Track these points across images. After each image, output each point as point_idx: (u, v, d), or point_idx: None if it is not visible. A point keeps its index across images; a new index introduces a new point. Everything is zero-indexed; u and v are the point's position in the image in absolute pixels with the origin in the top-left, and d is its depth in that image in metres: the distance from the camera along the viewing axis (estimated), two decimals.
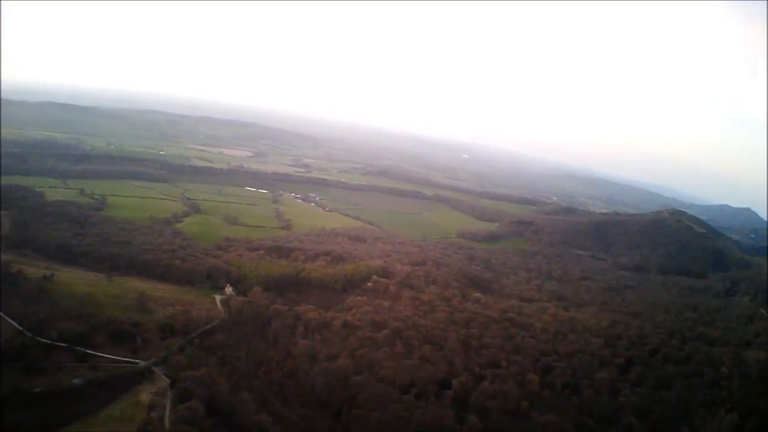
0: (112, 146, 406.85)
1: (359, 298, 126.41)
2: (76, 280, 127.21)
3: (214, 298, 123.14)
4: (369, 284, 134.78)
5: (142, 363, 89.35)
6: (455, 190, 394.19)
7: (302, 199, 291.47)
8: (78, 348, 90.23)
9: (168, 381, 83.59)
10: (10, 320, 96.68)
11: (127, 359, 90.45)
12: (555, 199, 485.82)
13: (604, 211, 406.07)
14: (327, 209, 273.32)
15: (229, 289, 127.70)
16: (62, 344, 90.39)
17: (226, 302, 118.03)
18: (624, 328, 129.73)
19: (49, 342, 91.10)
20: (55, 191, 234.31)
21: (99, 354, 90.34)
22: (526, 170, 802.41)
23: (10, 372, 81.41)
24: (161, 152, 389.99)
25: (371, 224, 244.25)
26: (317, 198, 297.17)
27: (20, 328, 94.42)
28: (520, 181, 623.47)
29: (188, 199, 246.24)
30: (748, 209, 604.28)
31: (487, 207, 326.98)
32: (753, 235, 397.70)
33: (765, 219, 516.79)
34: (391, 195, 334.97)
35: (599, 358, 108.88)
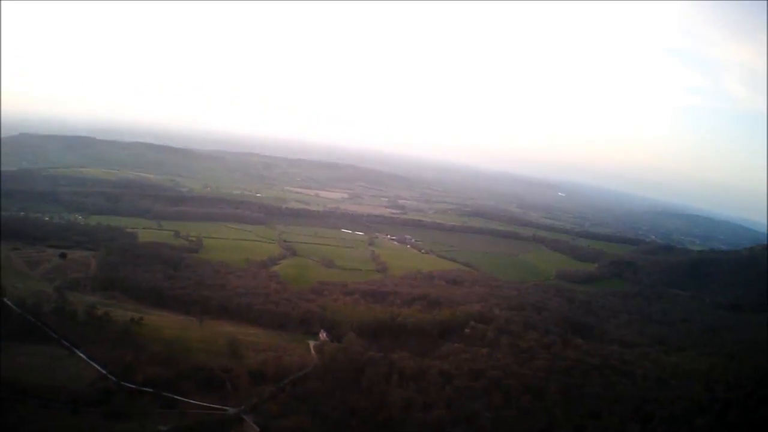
0: (209, 188, 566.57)
1: (456, 345, 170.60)
2: (165, 323, 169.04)
3: (307, 343, 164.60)
4: (466, 330, 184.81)
5: (231, 410, 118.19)
6: (552, 230, 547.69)
7: (398, 241, 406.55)
8: (165, 394, 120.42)
9: (258, 429, 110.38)
10: (94, 364, 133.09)
11: (216, 406, 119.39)
12: (653, 237, 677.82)
13: (700, 248, 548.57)
14: (423, 251, 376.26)
15: (323, 335, 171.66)
16: (148, 390, 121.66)
17: (319, 348, 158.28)
18: (722, 370, 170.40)
19: (135, 387, 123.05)
20: (149, 232, 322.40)
21: (187, 400, 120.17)
22: (624, 207, 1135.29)
23: (93, 417, 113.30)
24: (258, 194, 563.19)
25: (468, 266, 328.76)
26: (413, 240, 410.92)
27: (104, 372, 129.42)
28: (618, 218, 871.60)
29: (285, 241, 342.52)
30: None
31: (585, 247, 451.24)
32: None
33: None
34: (488, 236, 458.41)
35: (698, 404, 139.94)
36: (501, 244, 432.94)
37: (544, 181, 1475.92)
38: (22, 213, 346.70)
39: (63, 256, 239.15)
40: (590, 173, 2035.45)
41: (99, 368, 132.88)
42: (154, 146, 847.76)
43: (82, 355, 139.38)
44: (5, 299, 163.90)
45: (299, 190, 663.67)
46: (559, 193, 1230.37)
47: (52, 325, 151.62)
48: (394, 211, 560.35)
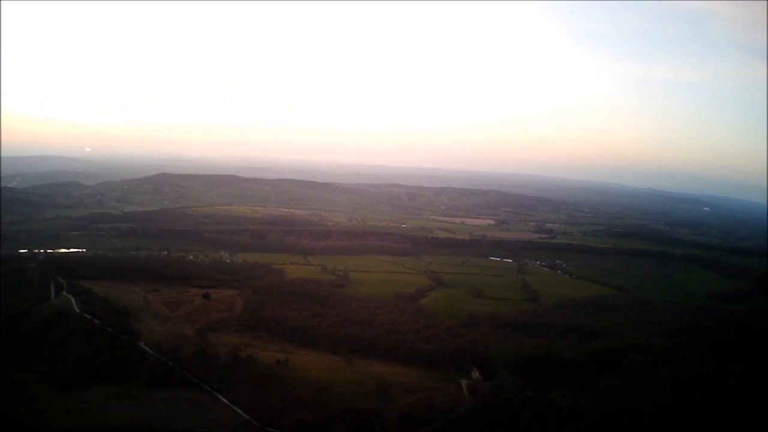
0: (354, 221, 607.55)
1: (614, 380, 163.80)
2: (312, 364, 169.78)
3: (459, 383, 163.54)
4: (624, 363, 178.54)
5: None
6: (701, 247, 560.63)
7: (548, 267, 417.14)
8: None
9: None
10: (236, 408, 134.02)
11: None
12: None
13: None
14: (574, 276, 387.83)
15: (475, 373, 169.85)
16: None
17: (472, 388, 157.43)
18: None
19: None
20: (296, 268, 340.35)
21: None
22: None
23: None
24: (403, 225, 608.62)
25: (620, 290, 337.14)
26: (563, 264, 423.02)
27: (246, 417, 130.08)
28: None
29: (432, 272, 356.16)
30: None
31: (734, 263, 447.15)
32: None
33: None
34: (638, 257, 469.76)
35: None
36: (652, 265, 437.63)
37: (688, 197, 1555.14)
38: (165, 252, 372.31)
39: (206, 296, 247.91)
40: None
41: (241, 413, 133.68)
42: (297, 182, 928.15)
43: (223, 399, 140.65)
44: (141, 344, 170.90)
45: (445, 218, 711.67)
46: (704, 208, 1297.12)
47: (192, 368, 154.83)
48: (542, 235, 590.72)
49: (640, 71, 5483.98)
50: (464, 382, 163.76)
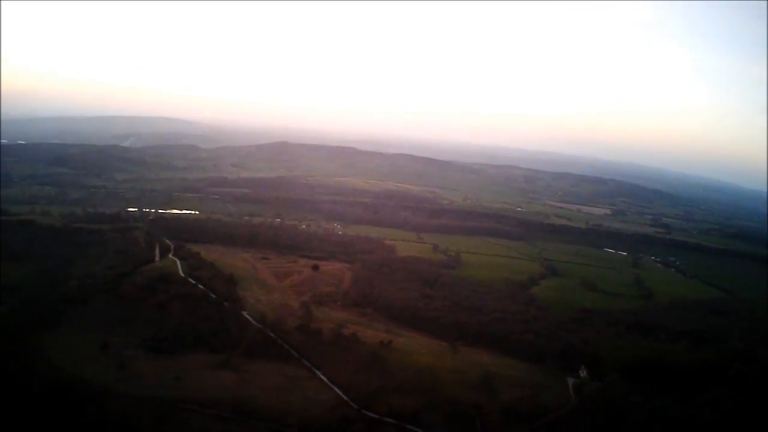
0: (469, 201, 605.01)
1: (719, 390, 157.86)
2: (416, 348, 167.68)
3: (566, 381, 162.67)
4: (731, 372, 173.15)
5: None
6: None
7: (662, 264, 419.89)
8: (408, 426, 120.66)
9: None
10: (334, 388, 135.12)
11: None
12: None
13: None
14: (687, 276, 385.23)
15: (583, 372, 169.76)
16: (390, 420, 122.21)
17: (578, 387, 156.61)
18: None
19: (376, 417, 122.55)
20: (408, 245, 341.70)
21: None
22: None
23: None
24: (519, 208, 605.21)
25: (731, 294, 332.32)
26: (677, 262, 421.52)
27: (345, 398, 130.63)
28: None
29: (545, 259, 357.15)
30: None
31: None
32: None
33: None
34: (751, 261, 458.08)
35: None
36: (765, 271, 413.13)
37: None
38: (278, 220, 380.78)
39: (315, 267, 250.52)
40: None
41: (340, 393, 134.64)
42: (416, 158, 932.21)
43: (323, 377, 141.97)
44: (244, 313, 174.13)
45: (561, 204, 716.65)
46: None
47: (294, 342, 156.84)
48: (658, 229, 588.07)
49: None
50: (571, 381, 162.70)
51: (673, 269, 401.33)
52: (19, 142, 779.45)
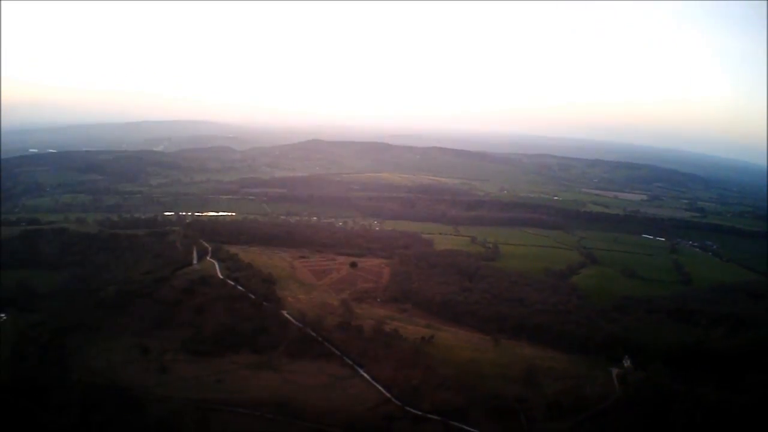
0: (505, 191, 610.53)
1: (760, 376, 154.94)
2: (458, 342, 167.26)
3: (609, 371, 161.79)
4: None
5: None
6: None
7: (700, 248, 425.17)
8: (452, 423, 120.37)
9: None
10: (377, 385, 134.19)
11: None
12: None
13: None
14: (724, 259, 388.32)
15: (627, 362, 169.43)
16: (434, 417, 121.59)
17: (622, 377, 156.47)
18: None
19: (420, 414, 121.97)
20: (445, 239, 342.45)
21: None
22: None
23: None
24: (555, 197, 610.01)
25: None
26: (714, 246, 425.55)
27: (388, 395, 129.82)
28: None
29: (584, 248, 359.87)
30: None
31: None
32: None
33: None
34: None
35: None
36: None
37: None
38: (314, 218, 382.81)
39: (354, 264, 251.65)
40: None
41: (383, 390, 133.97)
42: (448, 150, 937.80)
43: (365, 375, 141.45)
44: (284, 312, 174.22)
45: (597, 191, 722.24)
46: None
47: (335, 340, 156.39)
48: (693, 214, 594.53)
49: None
50: (615, 371, 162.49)
51: (710, 253, 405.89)
52: (49, 150, 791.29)
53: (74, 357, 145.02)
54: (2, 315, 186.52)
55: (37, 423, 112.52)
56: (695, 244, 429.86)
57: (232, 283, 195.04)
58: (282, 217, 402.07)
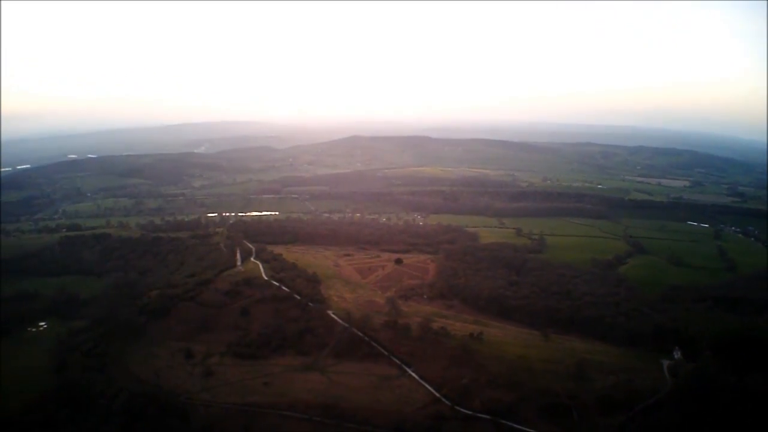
0: (548, 182, 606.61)
1: None
2: (507, 338, 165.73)
3: (660, 363, 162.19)
4: None
5: None
6: None
7: (742, 234, 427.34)
8: (503, 422, 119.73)
9: None
10: (426, 385, 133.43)
11: None
12: None
13: None
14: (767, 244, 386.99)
15: (677, 353, 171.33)
16: (485, 416, 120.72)
17: (673, 369, 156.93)
18: None
19: (470, 413, 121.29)
20: (490, 231, 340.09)
21: (527, 430, 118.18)
22: None
23: None
24: (599, 186, 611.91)
25: None
26: (756, 231, 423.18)
27: (437, 395, 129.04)
28: None
29: (630, 237, 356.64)
30: None
31: None
32: None
33: None
34: None
35: None
36: None
37: None
38: (357, 215, 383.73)
39: (399, 261, 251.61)
40: None
41: (432, 390, 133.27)
42: (490, 141, 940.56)
43: (413, 374, 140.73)
44: (330, 312, 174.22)
45: (640, 179, 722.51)
46: None
47: (382, 340, 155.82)
48: (734, 198, 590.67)
49: None
50: (666, 363, 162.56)
51: (752, 239, 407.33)
52: (89, 156, 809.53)
53: (117, 363, 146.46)
54: (43, 323, 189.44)
55: None
56: (738, 229, 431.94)
57: (277, 284, 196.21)
58: (325, 214, 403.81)
